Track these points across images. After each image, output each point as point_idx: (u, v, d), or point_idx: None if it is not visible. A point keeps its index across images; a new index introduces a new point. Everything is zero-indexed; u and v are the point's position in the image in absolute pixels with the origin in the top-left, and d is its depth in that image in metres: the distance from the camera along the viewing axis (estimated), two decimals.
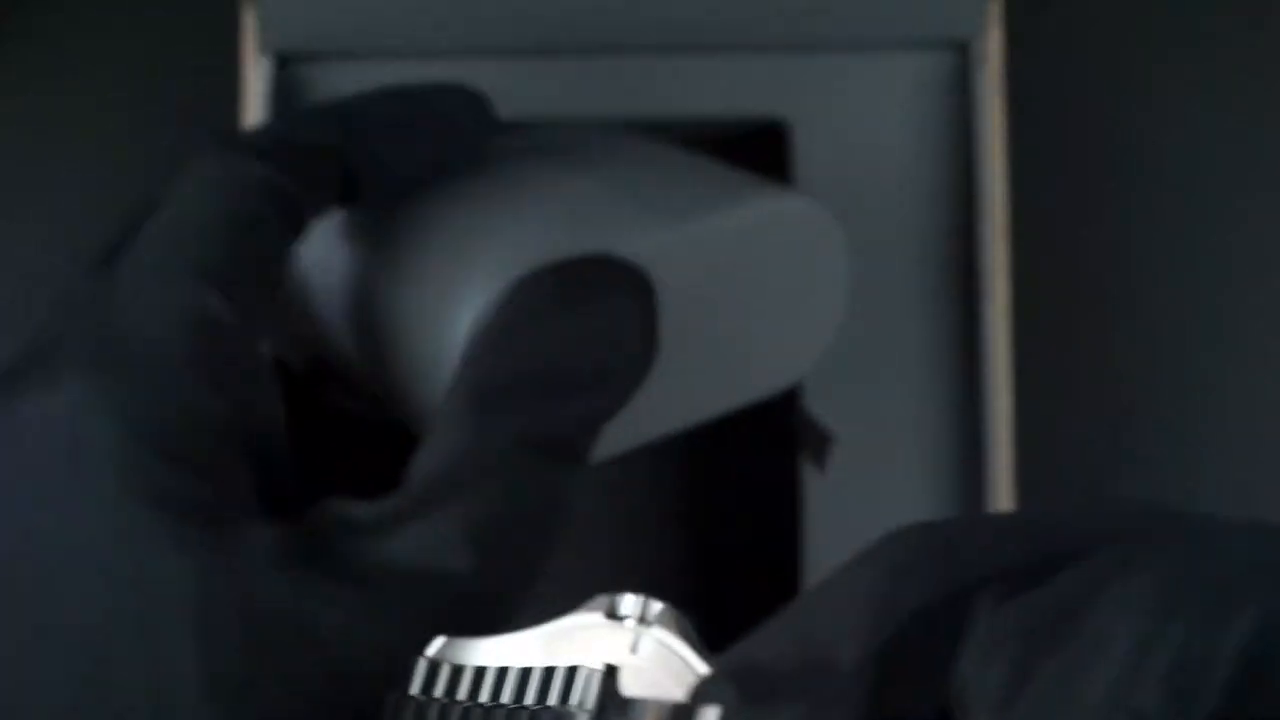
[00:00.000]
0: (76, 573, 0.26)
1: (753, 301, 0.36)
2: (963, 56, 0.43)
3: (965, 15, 0.42)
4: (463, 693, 0.29)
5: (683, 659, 0.26)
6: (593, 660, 0.27)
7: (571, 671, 0.27)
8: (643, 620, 0.27)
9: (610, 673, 0.26)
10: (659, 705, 0.22)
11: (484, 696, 0.29)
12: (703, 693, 0.21)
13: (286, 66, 0.42)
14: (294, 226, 0.31)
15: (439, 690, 0.29)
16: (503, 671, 0.29)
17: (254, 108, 0.42)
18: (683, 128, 0.43)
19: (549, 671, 0.28)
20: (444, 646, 0.29)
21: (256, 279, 0.30)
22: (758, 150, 0.43)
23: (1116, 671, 0.18)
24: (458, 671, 0.29)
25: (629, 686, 0.25)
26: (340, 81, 0.42)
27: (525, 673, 0.28)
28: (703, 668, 0.25)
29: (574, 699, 0.26)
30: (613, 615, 0.28)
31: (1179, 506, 0.21)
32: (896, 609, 0.20)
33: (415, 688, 0.30)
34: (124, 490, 0.26)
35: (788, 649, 0.20)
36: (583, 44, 0.42)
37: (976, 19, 0.42)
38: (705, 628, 0.38)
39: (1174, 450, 0.46)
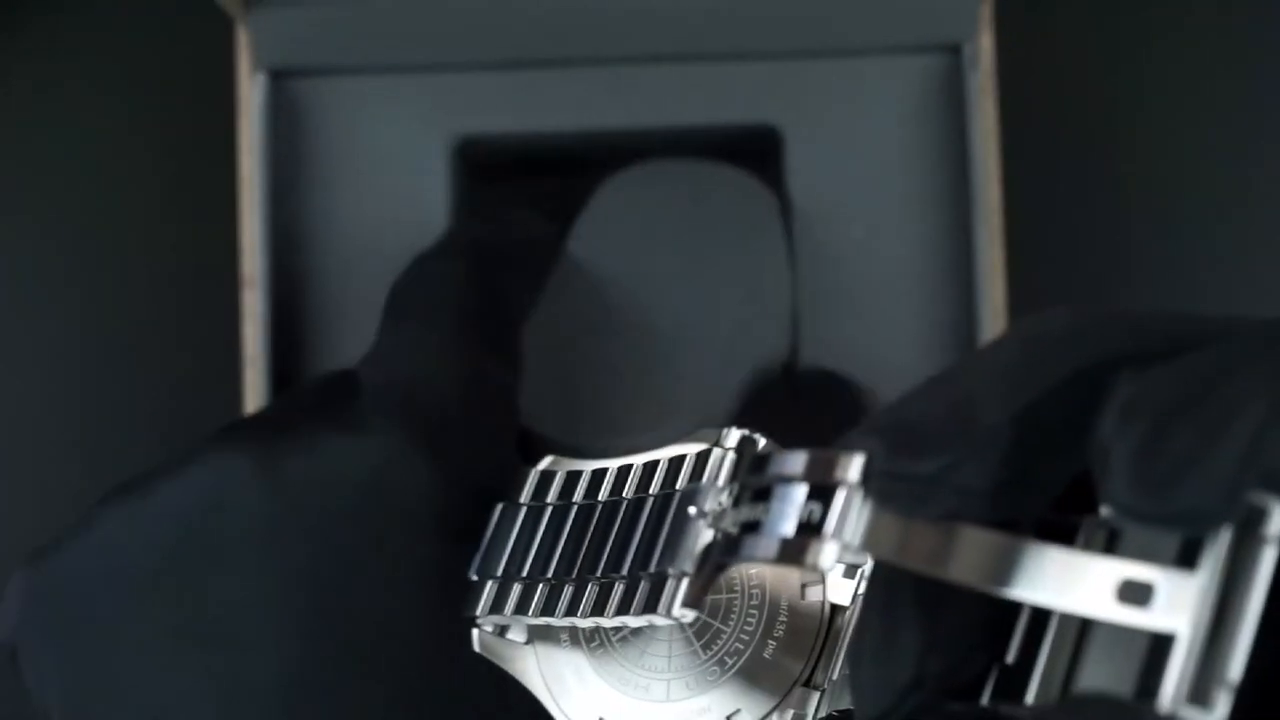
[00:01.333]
0: (392, 600, 0.28)
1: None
2: (955, 59, 0.43)
3: (957, 18, 0.42)
4: (579, 495, 0.30)
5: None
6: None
7: (704, 455, 0.27)
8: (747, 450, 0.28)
9: (746, 444, 0.26)
10: (803, 457, 0.23)
11: (602, 495, 0.29)
12: (849, 443, 0.22)
13: (281, 82, 0.42)
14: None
15: (551, 495, 0.30)
16: (625, 469, 0.29)
17: (249, 122, 0.42)
18: (676, 136, 0.43)
19: (678, 459, 0.28)
20: (554, 460, 0.30)
21: (511, 342, 0.34)
22: (751, 156, 0.43)
23: (1250, 432, 0.19)
24: (573, 476, 0.30)
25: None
26: (334, 97, 0.43)
27: (651, 465, 0.28)
28: None
29: (706, 477, 0.26)
30: (718, 446, 0.28)
31: None
32: (1036, 377, 0.21)
33: (525, 496, 0.30)
34: (440, 528, 0.29)
35: (932, 409, 0.21)
36: (576, 55, 0.42)
37: (968, 22, 0.42)
38: None
39: None
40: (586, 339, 0.41)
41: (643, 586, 0.26)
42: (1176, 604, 0.20)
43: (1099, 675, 0.21)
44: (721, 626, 0.28)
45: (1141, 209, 0.48)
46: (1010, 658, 0.22)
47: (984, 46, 0.42)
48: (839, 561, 0.22)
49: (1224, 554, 0.20)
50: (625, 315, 0.41)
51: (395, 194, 0.42)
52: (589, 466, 0.30)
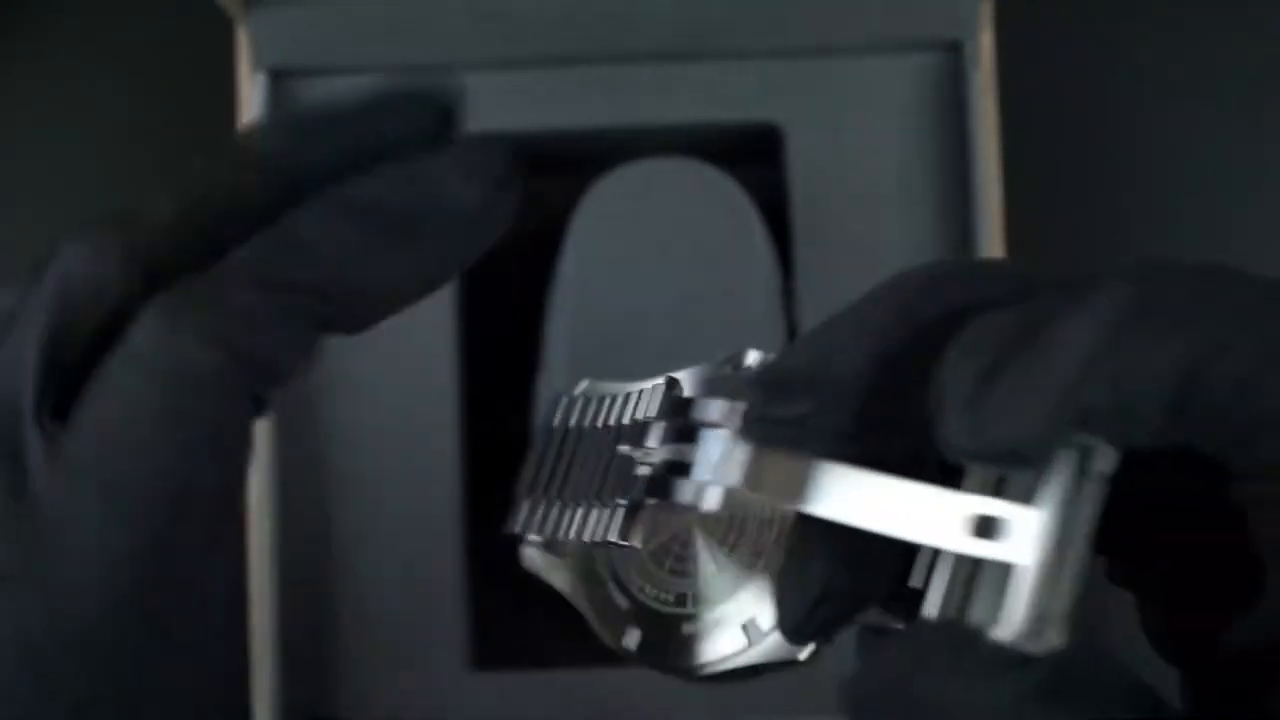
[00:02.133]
0: None
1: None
2: (956, 58, 0.43)
3: (958, 17, 0.42)
4: (589, 419, 0.30)
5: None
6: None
7: (648, 391, 0.28)
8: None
9: (670, 384, 0.27)
10: (713, 405, 0.25)
11: (600, 421, 0.30)
12: (738, 393, 0.24)
13: (281, 81, 0.42)
14: (259, 408, 0.24)
15: (574, 419, 0.31)
16: (628, 395, 0.30)
17: (249, 122, 0.42)
18: (676, 134, 0.43)
19: (637, 393, 0.29)
20: (589, 384, 0.31)
21: (216, 511, 0.23)
22: (753, 155, 0.43)
23: (1074, 370, 0.20)
24: (598, 400, 0.31)
25: (689, 391, 0.27)
26: (334, 96, 0.43)
27: (622, 397, 0.30)
28: None
29: (645, 412, 0.28)
30: (738, 368, 0.29)
31: None
32: (894, 326, 0.22)
33: (558, 419, 0.31)
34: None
35: (801, 359, 0.23)
36: (577, 54, 0.42)
37: (969, 20, 0.42)
38: None
39: None
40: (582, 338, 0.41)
41: (594, 515, 0.28)
42: (1023, 538, 0.21)
43: (982, 606, 0.22)
44: (740, 539, 0.29)
45: (1141, 208, 0.48)
46: (915, 583, 0.23)
47: (984, 45, 0.42)
48: (718, 501, 0.24)
49: (1063, 491, 0.21)
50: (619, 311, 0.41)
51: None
52: (611, 391, 0.31)
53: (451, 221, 0.26)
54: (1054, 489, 0.21)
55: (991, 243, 0.41)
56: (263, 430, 0.41)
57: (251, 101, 0.42)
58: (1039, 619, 0.21)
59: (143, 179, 0.49)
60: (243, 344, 0.23)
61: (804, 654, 0.25)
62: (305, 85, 0.43)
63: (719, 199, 0.42)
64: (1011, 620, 0.21)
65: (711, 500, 0.25)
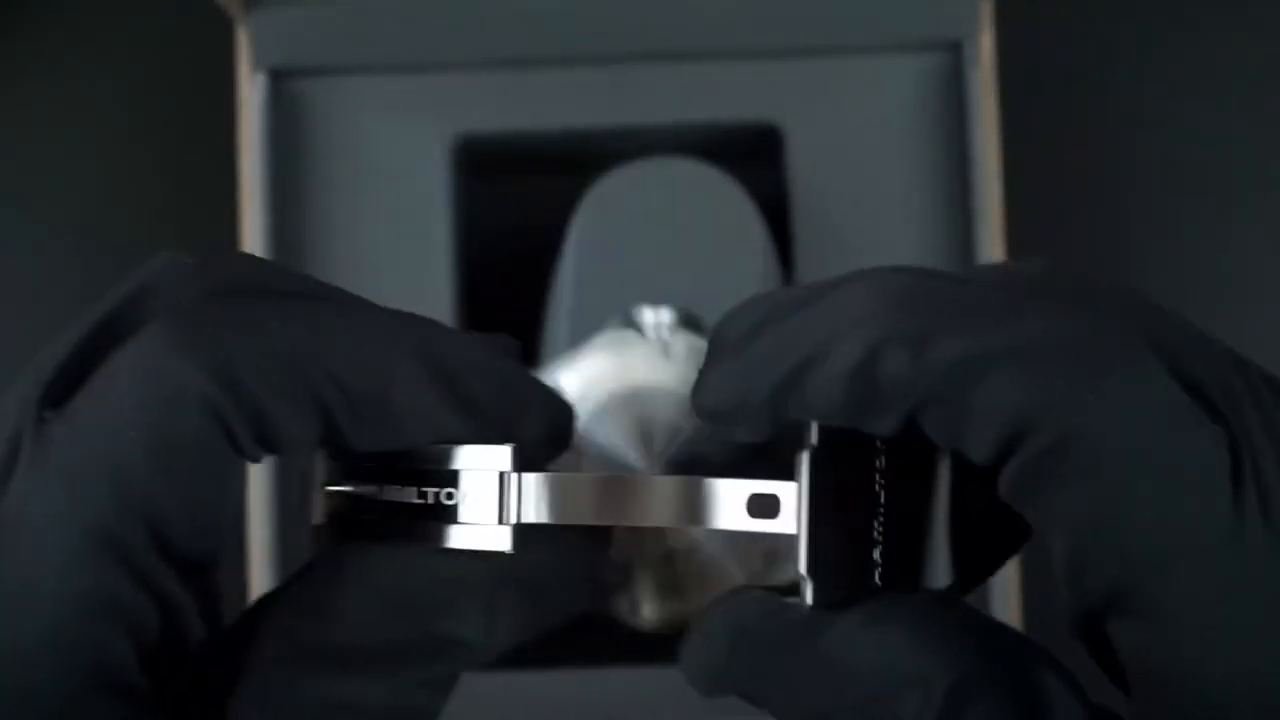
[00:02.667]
0: None
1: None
2: (956, 58, 0.43)
3: (958, 17, 0.42)
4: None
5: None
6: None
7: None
8: (665, 326, 0.31)
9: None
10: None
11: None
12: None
13: (281, 81, 0.42)
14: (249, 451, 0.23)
15: None
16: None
17: (249, 121, 0.42)
18: (676, 134, 0.43)
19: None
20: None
21: (183, 530, 0.22)
22: (752, 155, 0.43)
23: (779, 349, 0.22)
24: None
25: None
26: (334, 96, 0.43)
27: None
28: None
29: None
30: (632, 327, 0.31)
31: None
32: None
33: None
34: None
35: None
36: (575, 53, 0.42)
37: (969, 20, 0.42)
38: None
39: None
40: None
41: None
42: (789, 511, 0.23)
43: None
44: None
45: (1141, 208, 0.48)
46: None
47: (984, 45, 0.42)
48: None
49: (807, 463, 0.23)
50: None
51: (395, 192, 0.42)
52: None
53: (500, 435, 0.24)
54: (803, 461, 0.23)
55: (992, 243, 0.41)
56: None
57: (251, 102, 0.42)
58: (820, 575, 0.23)
59: (143, 179, 0.49)
60: (239, 382, 0.22)
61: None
62: (305, 85, 0.43)
63: (719, 199, 0.42)
64: (805, 590, 0.23)
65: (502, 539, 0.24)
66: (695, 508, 0.24)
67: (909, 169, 0.43)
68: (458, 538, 0.24)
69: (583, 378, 0.31)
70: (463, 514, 0.24)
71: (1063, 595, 0.22)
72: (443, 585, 0.24)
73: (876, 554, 0.23)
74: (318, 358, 0.23)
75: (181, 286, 0.23)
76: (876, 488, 0.23)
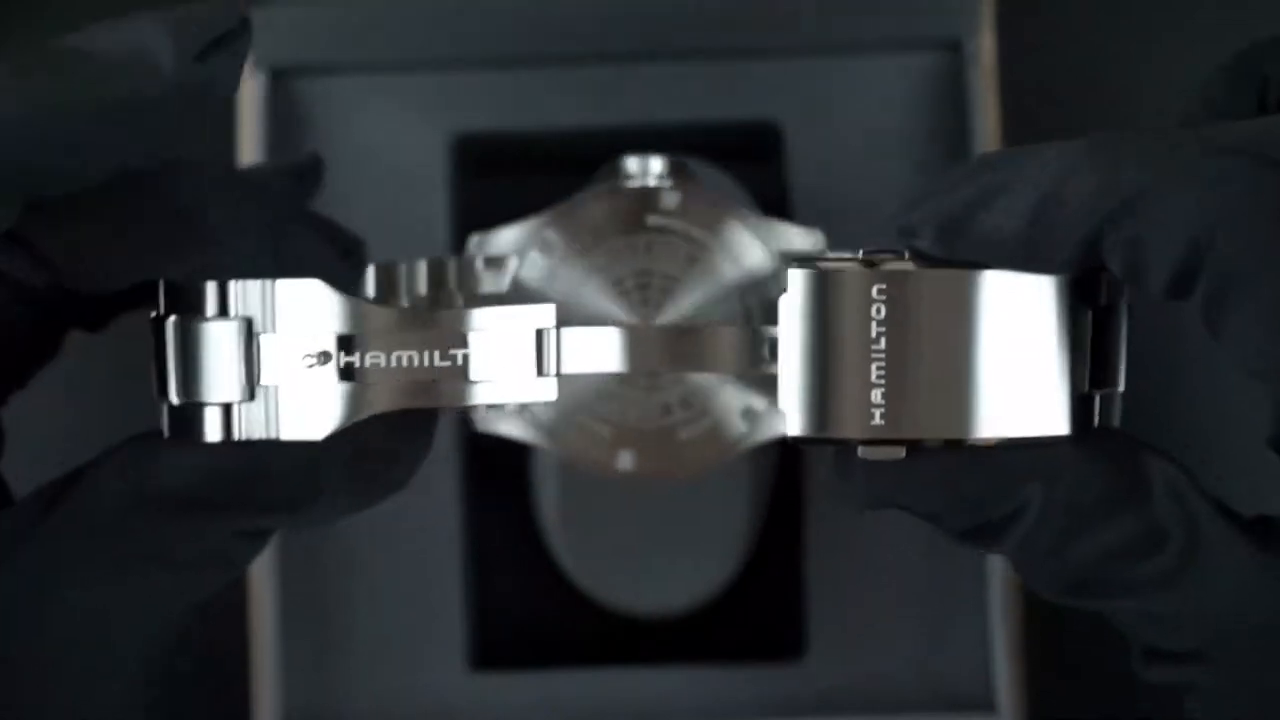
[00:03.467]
0: None
1: None
2: (956, 57, 0.43)
3: (958, 16, 0.42)
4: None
5: (708, 199, 0.32)
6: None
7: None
8: (656, 176, 0.32)
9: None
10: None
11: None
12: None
13: (281, 80, 0.42)
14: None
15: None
16: None
17: (249, 122, 0.42)
18: (676, 133, 0.43)
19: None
20: (481, 240, 0.33)
21: None
22: (752, 154, 0.43)
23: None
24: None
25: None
26: (334, 95, 0.43)
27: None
28: (733, 208, 0.32)
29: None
30: (620, 178, 0.32)
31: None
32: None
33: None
34: None
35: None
36: (574, 52, 0.42)
37: (969, 19, 0.42)
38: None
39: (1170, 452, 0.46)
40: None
41: None
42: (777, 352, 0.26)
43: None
44: None
45: None
46: None
47: (985, 44, 0.42)
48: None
49: (789, 307, 0.26)
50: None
51: (395, 192, 0.43)
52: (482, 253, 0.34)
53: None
54: (782, 307, 0.25)
55: None
56: None
57: (252, 101, 0.42)
58: (805, 411, 0.25)
59: None
60: None
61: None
62: (306, 84, 0.43)
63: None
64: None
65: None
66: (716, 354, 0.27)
67: (909, 169, 0.43)
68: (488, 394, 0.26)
69: (570, 232, 0.32)
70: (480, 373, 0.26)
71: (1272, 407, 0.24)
72: (272, 450, 0.26)
73: (877, 395, 0.25)
74: None
75: None
76: (874, 334, 0.25)
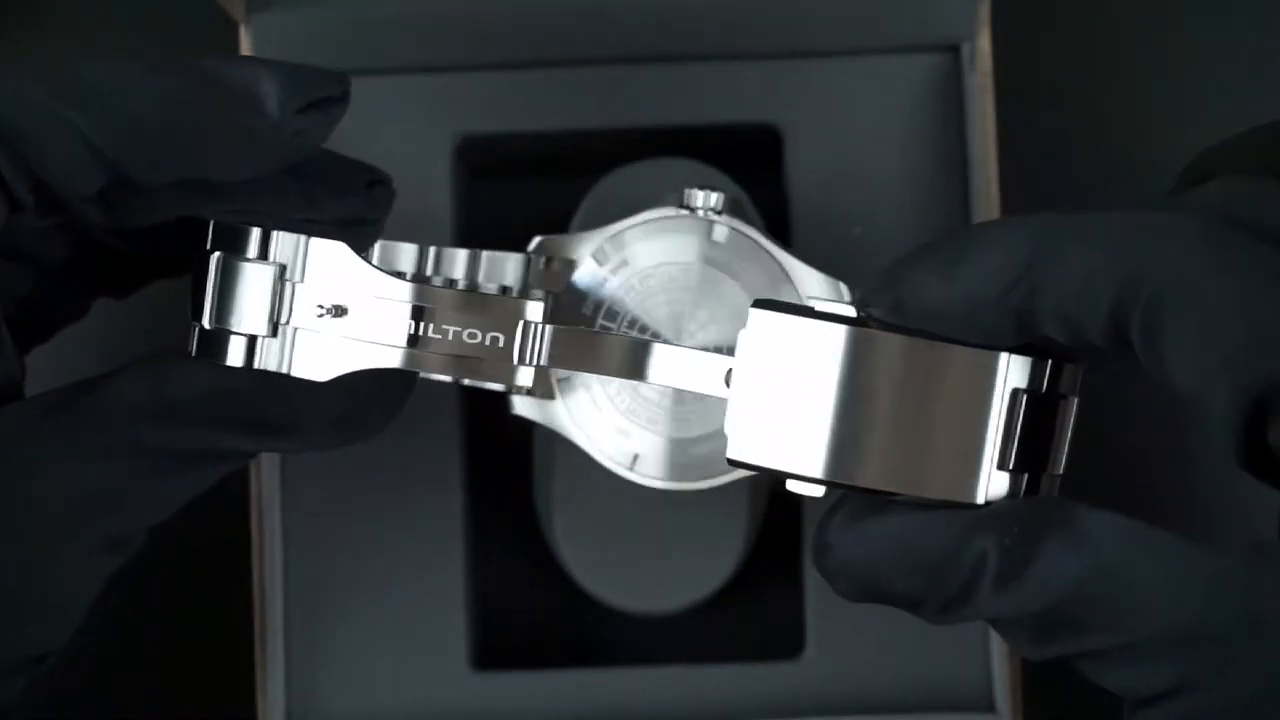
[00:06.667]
0: None
1: None
2: (953, 59, 0.43)
3: (955, 18, 0.42)
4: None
5: (754, 241, 0.35)
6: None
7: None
8: (713, 210, 0.35)
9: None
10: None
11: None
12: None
13: None
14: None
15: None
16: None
17: None
18: (675, 135, 0.43)
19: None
20: (543, 241, 0.35)
21: None
22: (751, 156, 0.43)
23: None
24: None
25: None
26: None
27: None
28: (775, 249, 0.35)
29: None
30: (684, 207, 0.35)
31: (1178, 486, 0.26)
32: None
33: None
34: None
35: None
36: (576, 54, 0.42)
37: (967, 21, 0.42)
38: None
39: (1171, 452, 0.46)
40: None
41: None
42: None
43: None
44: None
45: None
46: None
47: (982, 46, 0.42)
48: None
49: (745, 343, 0.28)
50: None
51: (399, 193, 0.43)
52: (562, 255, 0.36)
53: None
54: (740, 341, 0.28)
55: None
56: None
57: None
58: (744, 438, 0.28)
59: None
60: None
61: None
62: None
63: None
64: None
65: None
66: (685, 371, 0.29)
67: (908, 170, 0.43)
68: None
69: (626, 247, 0.35)
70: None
71: (1219, 424, 0.25)
72: (264, 377, 0.29)
73: (813, 437, 0.27)
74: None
75: None
76: (820, 382, 0.27)
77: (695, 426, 0.35)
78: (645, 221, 0.35)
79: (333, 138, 0.43)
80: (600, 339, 0.30)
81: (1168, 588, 0.24)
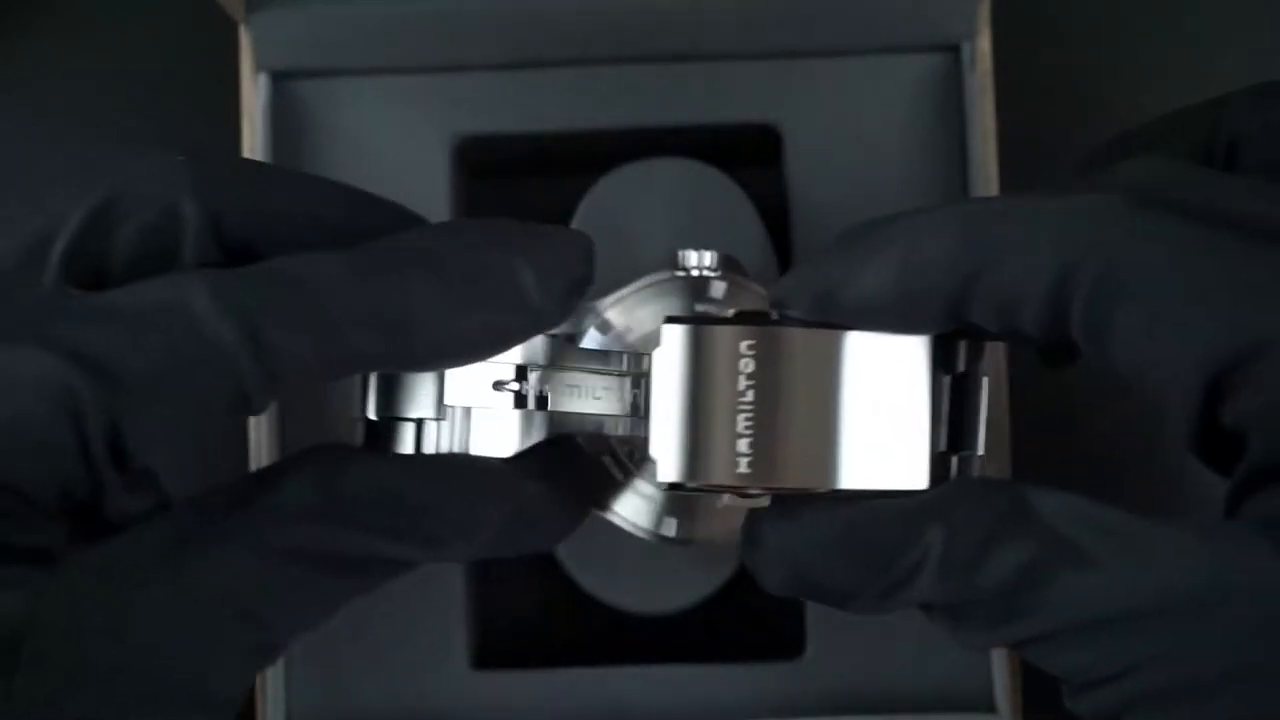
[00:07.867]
0: None
1: None
2: (954, 59, 0.43)
3: (955, 18, 0.42)
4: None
5: (754, 292, 0.33)
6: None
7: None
8: (706, 268, 0.34)
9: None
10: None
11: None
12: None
13: (283, 83, 0.43)
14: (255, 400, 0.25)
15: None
16: None
17: (251, 123, 0.42)
18: (675, 135, 0.43)
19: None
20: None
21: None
22: (751, 155, 0.43)
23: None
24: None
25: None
26: (336, 97, 0.43)
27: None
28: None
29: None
30: (678, 268, 0.34)
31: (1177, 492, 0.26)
32: None
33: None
34: None
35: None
36: (576, 55, 0.42)
37: (967, 21, 0.42)
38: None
39: (1172, 449, 0.46)
40: None
41: None
42: None
43: None
44: None
45: None
46: None
47: (982, 46, 0.42)
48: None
49: (656, 362, 0.28)
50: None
51: (396, 194, 0.42)
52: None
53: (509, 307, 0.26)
54: (650, 361, 0.28)
55: None
56: (266, 425, 0.41)
57: (253, 103, 0.42)
58: (666, 458, 0.27)
59: None
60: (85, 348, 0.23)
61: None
62: (307, 87, 0.43)
63: (718, 199, 0.42)
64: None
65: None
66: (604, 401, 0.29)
67: (908, 170, 0.43)
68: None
69: (627, 314, 0.34)
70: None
71: (1171, 408, 0.24)
72: (435, 486, 0.27)
73: (744, 445, 0.27)
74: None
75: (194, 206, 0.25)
76: (742, 387, 0.27)
77: None
78: (639, 289, 0.34)
79: (333, 138, 0.43)
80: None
81: (1121, 566, 0.24)
